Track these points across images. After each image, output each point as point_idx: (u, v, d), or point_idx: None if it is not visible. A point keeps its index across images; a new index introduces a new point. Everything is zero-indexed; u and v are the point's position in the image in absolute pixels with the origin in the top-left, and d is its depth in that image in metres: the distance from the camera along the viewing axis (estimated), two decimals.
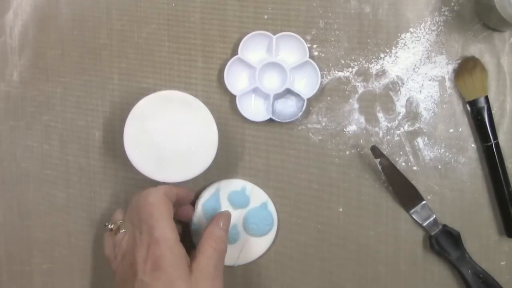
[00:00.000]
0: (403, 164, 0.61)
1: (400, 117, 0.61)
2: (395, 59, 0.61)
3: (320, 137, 0.62)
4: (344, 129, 0.61)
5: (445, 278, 0.60)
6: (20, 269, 0.66)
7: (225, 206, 0.61)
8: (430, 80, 0.60)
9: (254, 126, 0.62)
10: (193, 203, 0.62)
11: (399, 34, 0.60)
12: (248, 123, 0.62)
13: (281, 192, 0.62)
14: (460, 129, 0.60)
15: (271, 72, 0.61)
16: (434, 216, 0.60)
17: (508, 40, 0.59)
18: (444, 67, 0.60)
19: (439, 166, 0.60)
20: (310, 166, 0.62)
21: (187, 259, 0.52)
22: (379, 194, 0.61)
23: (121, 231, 0.55)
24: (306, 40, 0.61)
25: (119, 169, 0.64)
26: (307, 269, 0.62)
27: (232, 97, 0.61)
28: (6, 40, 0.65)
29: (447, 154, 0.60)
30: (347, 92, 0.61)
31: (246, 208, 0.62)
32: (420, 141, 0.60)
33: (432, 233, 0.59)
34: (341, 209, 0.62)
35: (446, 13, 0.60)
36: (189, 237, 0.62)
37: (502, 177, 0.58)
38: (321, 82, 0.61)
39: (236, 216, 0.61)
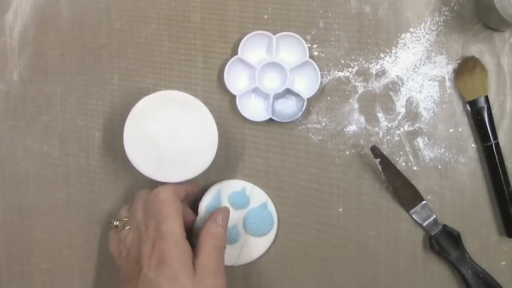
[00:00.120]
0: (403, 164, 0.61)
1: (400, 117, 0.61)
2: (395, 59, 0.61)
3: (320, 137, 0.62)
4: (344, 129, 0.61)
5: (445, 278, 0.60)
6: (20, 269, 0.66)
7: None
8: (430, 80, 0.60)
9: (254, 126, 0.62)
10: (192, 207, 0.62)
11: (399, 34, 0.60)
12: (248, 123, 0.62)
13: (281, 192, 0.62)
14: (460, 129, 0.60)
15: (271, 72, 0.61)
16: (434, 216, 0.60)
17: (508, 40, 0.59)
18: (444, 67, 0.60)
19: (439, 166, 0.60)
20: (310, 166, 0.62)
21: (192, 256, 0.53)
22: (379, 194, 0.61)
23: (126, 228, 0.56)
24: (306, 40, 0.61)
25: (119, 169, 0.64)
26: (307, 269, 0.62)
27: (232, 97, 0.61)
28: (6, 40, 0.65)
29: (447, 154, 0.60)
30: (347, 92, 0.61)
31: (246, 208, 0.62)
32: (420, 141, 0.60)
33: (432, 233, 0.59)
34: (341, 209, 0.62)
35: (446, 13, 0.60)
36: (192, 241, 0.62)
37: (502, 177, 0.58)
38: (321, 82, 0.61)
39: (236, 216, 0.61)
